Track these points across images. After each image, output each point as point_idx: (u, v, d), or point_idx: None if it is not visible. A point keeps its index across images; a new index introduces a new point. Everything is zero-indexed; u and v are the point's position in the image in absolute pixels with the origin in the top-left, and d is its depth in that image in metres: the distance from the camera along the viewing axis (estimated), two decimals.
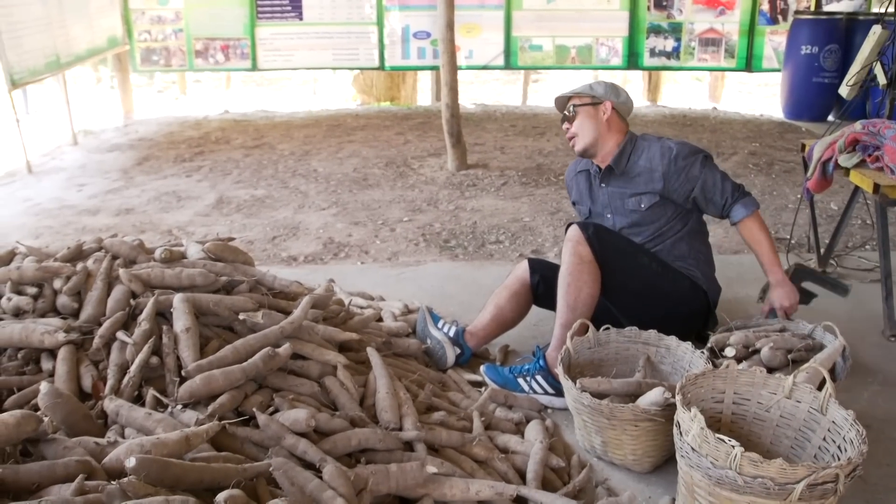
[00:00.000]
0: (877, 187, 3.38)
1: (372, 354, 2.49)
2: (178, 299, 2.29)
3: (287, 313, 2.48)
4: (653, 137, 3.20)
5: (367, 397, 2.40)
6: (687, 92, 13.78)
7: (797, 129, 8.08)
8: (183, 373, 2.14)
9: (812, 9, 8.86)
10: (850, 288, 3.41)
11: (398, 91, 10.11)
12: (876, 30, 3.95)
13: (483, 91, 14.63)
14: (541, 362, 2.90)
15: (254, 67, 8.85)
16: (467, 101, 10.13)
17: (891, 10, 4.09)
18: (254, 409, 2.06)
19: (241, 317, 2.36)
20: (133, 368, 2.12)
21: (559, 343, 2.84)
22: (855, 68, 3.97)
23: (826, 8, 8.88)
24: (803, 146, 3.92)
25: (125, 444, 1.82)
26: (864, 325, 3.52)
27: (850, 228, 4.71)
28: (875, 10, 9.00)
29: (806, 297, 3.40)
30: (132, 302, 2.34)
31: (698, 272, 3.17)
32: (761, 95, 13.90)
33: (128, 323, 2.31)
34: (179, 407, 2.06)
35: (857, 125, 3.55)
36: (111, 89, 10.41)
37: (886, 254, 3.46)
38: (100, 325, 2.28)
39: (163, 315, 2.36)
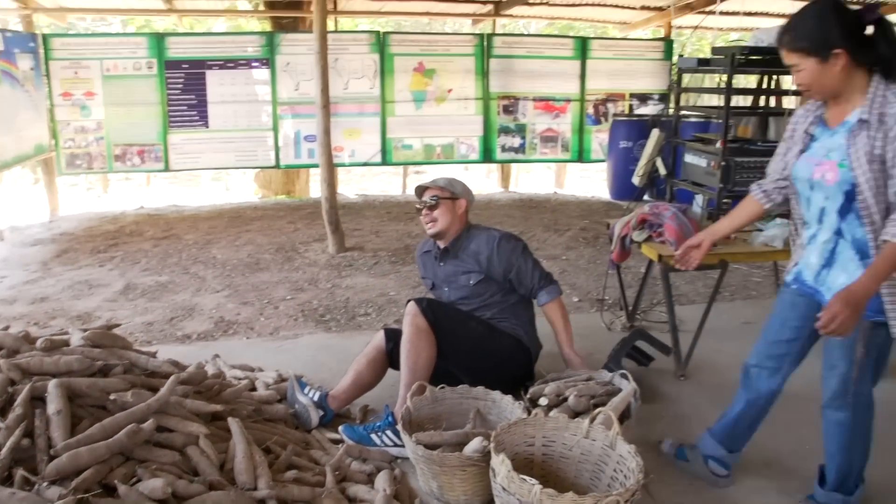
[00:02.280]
0: (660, 257, 3.55)
1: (231, 423, 2.42)
2: (52, 384, 2.18)
3: (158, 392, 2.40)
4: (483, 228, 3.37)
5: (228, 462, 2.33)
6: (539, 178, 14.24)
7: (620, 207, 8.42)
8: (52, 452, 2.03)
9: (626, 112, 9.35)
10: (673, 349, 3.58)
11: (293, 185, 10.06)
12: (655, 132, 4.20)
13: (372, 183, 14.75)
14: (389, 419, 2.90)
15: (166, 168, 8.67)
16: (352, 192, 10.19)
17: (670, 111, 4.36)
18: (115, 481, 1.97)
19: (111, 397, 2.26)
20: (3, 451, 1.99)
21: (403, 401, 2.85)
22: (642, 162, 4.20)
23: (636, 112, 9.39)
24: (608, 225, 4.10)
25: None
26: (663, 367, 3.66)
27: (654, 288, 4.90)
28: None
29: (646, 359, 3.57)
30: (10, 389, 2.21)
31: (522, 332, 3.26)
32: (598, 179, 14.48)
33: (5, 408, 2.18)
34: (46, 484, 1.95)
35: (645, 207, 3.74)
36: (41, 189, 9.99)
37: (671, 310, 3.63)
38: None
39: (42, 399, 2.24)
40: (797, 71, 2.14)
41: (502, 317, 3.25)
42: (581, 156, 9.52)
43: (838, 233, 2.23)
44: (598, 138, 9.44)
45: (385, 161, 9.05)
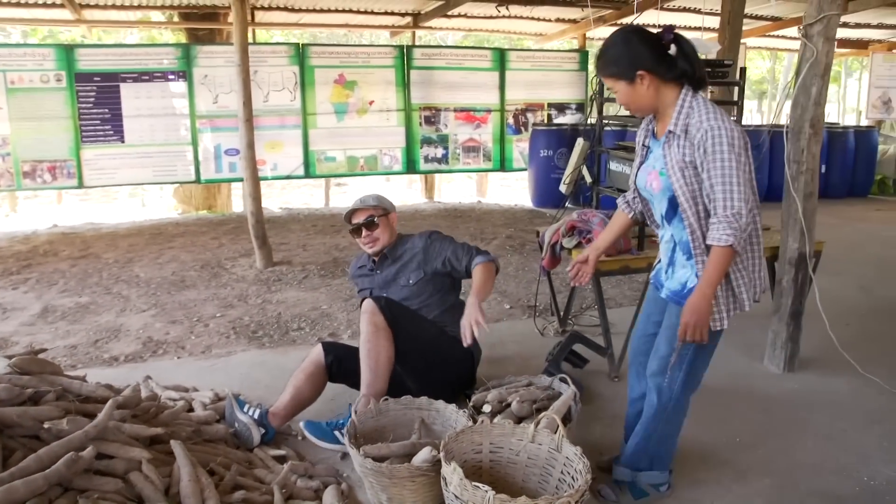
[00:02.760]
0: None
1: (175, 446, 2.34)
2: None
3: (94, 417, 2.30)
4: (411, 235, 3.48)
5: (173, 486, 2.25)
6: (460, 188, 14.36)
7: (543, 214, 8.59)
8: None
9: (545, 122, 9.55)
10: (609, 350, 3.65)
11: (215, 200, 9.82)
12: (580, 142, 4.29)
13: (293, 195, 14.57)
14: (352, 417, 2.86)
15: (80, 185, 8.33)
16: (275, 206, 10.02)
17: (592, 121, 4.44)
18: None
19: (45, 425, 2.15)
20: None
21: (367, 401, 2.85)
22: (569, 171, 4.29)
23: (556, 121, 9.60)
24: (537, 232, 4.17)
25: None
26: (597, 369, 3.75)
27: (584, 293, 5.01)
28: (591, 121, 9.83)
29: (581, 361, 3.63)
30: None
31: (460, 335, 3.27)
32: (518, 188, 14.71)
33: None
34: None
35: (574, 214, 3.83)
36: None
37: (603, 313, 3.72)
38: None
39: None
40: (614, 92, 2.34)
41: (443, 319, 3.27)
42: (503, 165, 9.67)
43: (673, 238, 2.41)
44: (519, 147, 9.61)
45: (308, 174, 8.95)
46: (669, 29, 2.28)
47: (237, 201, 10.57)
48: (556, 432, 2.46)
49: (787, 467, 2.86)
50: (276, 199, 13.56)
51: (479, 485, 2.08)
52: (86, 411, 2.35)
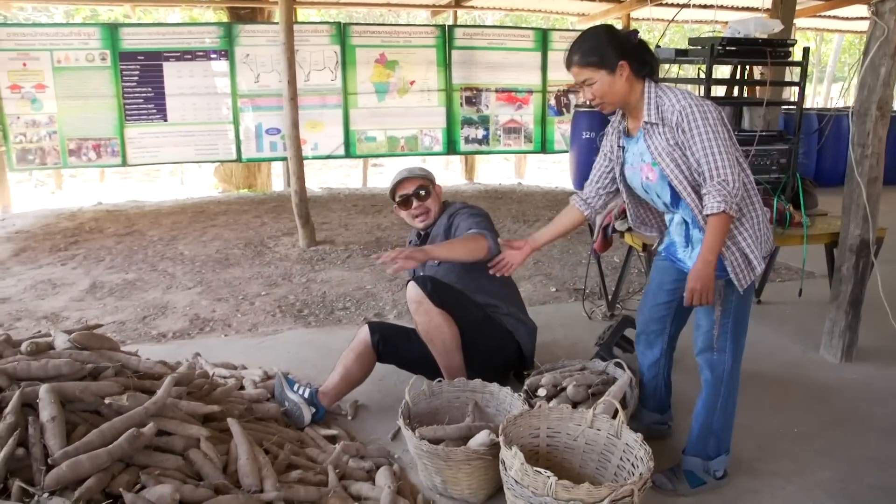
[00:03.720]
0: (644, 246, 3.56)
1: (232, 424, 2.34)
2: (43, 390, 2.07)
3: (152, 393, 2.30)
4: (448, 205, 3.37)
5: (230, 464, 2.24)
6: (497, 169, 14.26)
7: None
8: (49, 461, 1.92)
9: (588, 103, 9.38)
10: None
11: (255, 179, 9.87)
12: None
13: (330, 176, 14.57)
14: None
15: (123, 163, 8.41)
16: (315, 186, 10.04)
17: None
18: (120, 489, 1.88)
19: (106, 401, 2.16)
20: None
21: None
22: None
23: None
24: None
25: None
26: None
27: (630, 277, 4.93)
28: None
29: (630, 345, 3.57)
30: None
31: (513, 322, 3.20)
32: (556, 170, 14.58)
33: None
34: (46, 495, 1.85)
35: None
36: None
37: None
38: None
39: (31, 406, 2.12)
40: (589, 84, 2.38)
41: (492, 302, 3.19)
42: (544, 147, 9.54)
43: (684, 219, 2.50)
44: (561, 129, 9.47)
45: (348, 153, 8.93)
46: (634, 32, 2.46)
47: (277, 180, 10.61)
48: (615, 418, 2.41)
49: (849, 460, 2.78)
50: (314, 178, 13.58)
51: (541, 470, 2.04)
52: (143, 387, 2.36)
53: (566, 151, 9.32)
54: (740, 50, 3.60)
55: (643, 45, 2.42)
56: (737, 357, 2.51)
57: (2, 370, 2.15)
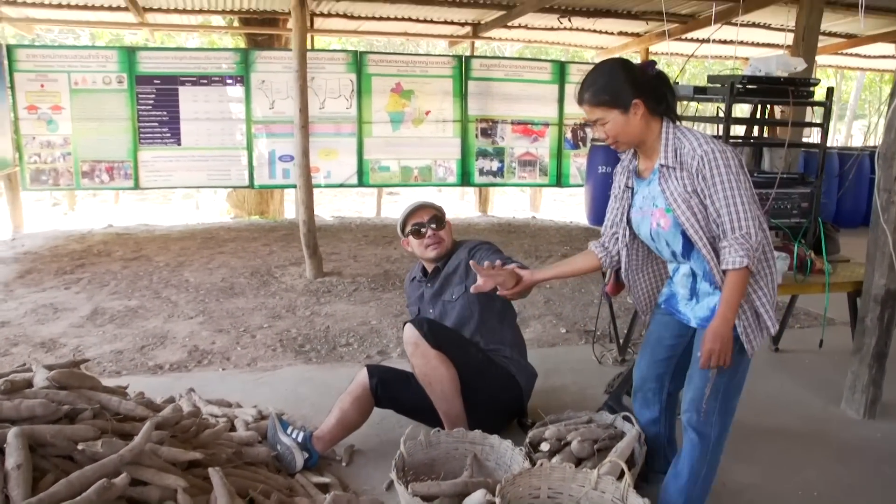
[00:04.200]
0: None
1: (213, 474, 2.20)
2: (11, 434, 1.95)
3: (132, 437, 2.18)
4: (462, 243, 3.31)
5: None
6: (512, 202, 14.17)
7: (599, 233, 8.33)
8: None
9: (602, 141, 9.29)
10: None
11: (267, 206, 9.82)
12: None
13: (343, 203, 14.55)
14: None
15: (136, 186, 8.40)
16: (327, 214, 9.97)
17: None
18: None
19: (80, 447, 2.04)
20: None
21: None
22: None
23: None
24: None
25: None
26: None
27: (643, 318, 4.76)
28: None
29: None
30: None
31: (514, 367, 3.10)
32: (572, 204, 14.46)
33: None
34: None
35: None
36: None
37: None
38: None
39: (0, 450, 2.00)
40: (602, 124, 2.25)
41: (493, 346, 3.10)
42: (559, 180, 9.43)
43: (692, 270, 2.35)
44: (577, 163, 9.37)
45: (361, 182, 8.87)
46: (652, 64, 2.31)
47: (289, 207, 10.55)
48: (620, 479, 2.26)
49: None
50: (328, 206, 13.54)
51: None
52: (123, 431, 2.24)
53: (582, 185, 9.20)
54: (761, 89, 3.47)
55: (661, 78, 2.28)
56: (725, 422, 2.36)
57: None
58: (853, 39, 9.44)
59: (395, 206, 12.54)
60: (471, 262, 2.67)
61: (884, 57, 11.08)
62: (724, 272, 2.16)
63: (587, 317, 5.03)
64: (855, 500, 2.79)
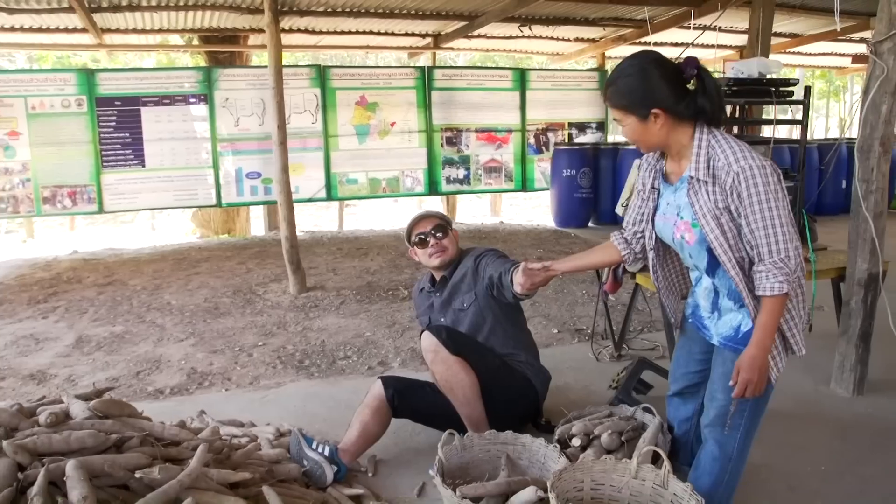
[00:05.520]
0: None
1: (269, 493, 2.22)
2: (70, 467, 1.94)
3: (178, 461, 2.18)
4: (469, 251, 3.33)
5: None
6: (472, 207, 14.30)
7: (568, 234, 8.50)
8: None
9: (566, 141, 9.48)
10: None
11: (234, 224, 9.73)
12: (637, 163, 4.21)
13: (303, 218, 14.43)
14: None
15: (100, 210, 8.24)
16: (298, 229, 9.90)
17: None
18: None
19: (137, 475, 2.03)
20: None
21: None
22: (625, 194, 4.20)
23: (576, 140, 9.53)
24: None
25: None
26: (660, 394, 3.62)
27: (638, 316, 4.89)
28: (610, 140, 9.80)
29: (645, 387, 3.52)
30: (20, 475, 1.95)
31: (530, 371, 3.16)
32: (528, 207, 14.65)
33: (17, 498, 1.92)
34: None
35: None
36: None
37: (671, 338, 3.61)
38: None
39: (56, 485, 1.98)
40: (622, 124, 2.14)
41: (508, 351, 3.15)
42: (525, 185, 9.58)
43: (714, 286, 2.25)
44: (541, 167, 9.53)
45: (330, 196, 8.86)
46: (693, 62, 2.07)
47: (256, 224, 10.47)
48: (660, 467, 2.34)
49: (885, 499, 2.74)
50: None
51: None
52: (170, 456, 2.24)
53: (546, 189, 9.36)
54: (745, 90, 3.63)
55: (704, 83, 2.06)
56: (749, 437, 2.29)
57: (22, 446, 2.01)
58: (796, 38, 9.82)
59: (354, 218, 12.54)
60: (522, 263, 2.65)
61: (824, 54, 11.56)
62: (759, 297, 2.04)
63: (575, 316, 5.14)
64: (860, 472, 2.92)
